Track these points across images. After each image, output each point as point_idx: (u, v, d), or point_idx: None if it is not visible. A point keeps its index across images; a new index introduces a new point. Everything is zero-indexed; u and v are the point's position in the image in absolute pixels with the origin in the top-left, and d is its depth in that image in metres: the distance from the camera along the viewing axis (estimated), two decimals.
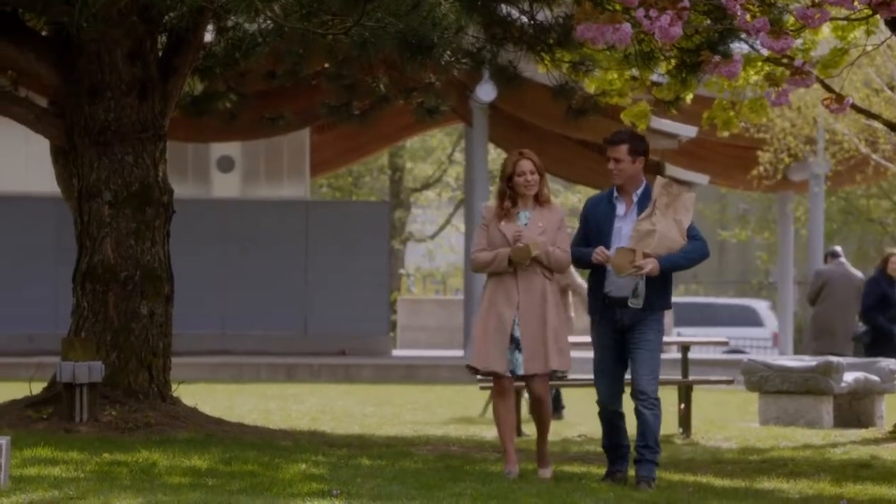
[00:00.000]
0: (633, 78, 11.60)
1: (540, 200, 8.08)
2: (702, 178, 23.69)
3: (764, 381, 13.63)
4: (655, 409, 7.93)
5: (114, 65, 10.91)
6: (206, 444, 9.41)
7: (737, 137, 18.50)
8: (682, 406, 12.59)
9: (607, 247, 7.93)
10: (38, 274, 22.77)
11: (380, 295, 24.24)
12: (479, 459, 9.46)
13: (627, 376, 8.12)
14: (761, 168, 22.66)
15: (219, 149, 24.50)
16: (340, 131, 22.76)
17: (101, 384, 10.36)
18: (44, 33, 11.30)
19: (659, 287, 7.96)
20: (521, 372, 8.03)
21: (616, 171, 8.00)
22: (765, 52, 10.11)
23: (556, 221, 8.08)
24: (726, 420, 14.17)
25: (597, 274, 8.05)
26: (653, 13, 7.45)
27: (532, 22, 10.94)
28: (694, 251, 7.96)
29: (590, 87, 11.83)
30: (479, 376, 8.47)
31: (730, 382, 13.57)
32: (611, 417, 8.08)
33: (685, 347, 13.13)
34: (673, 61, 10.56)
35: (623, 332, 7.99)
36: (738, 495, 7.95)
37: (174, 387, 11.14)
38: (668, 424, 13.21)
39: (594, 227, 8.06)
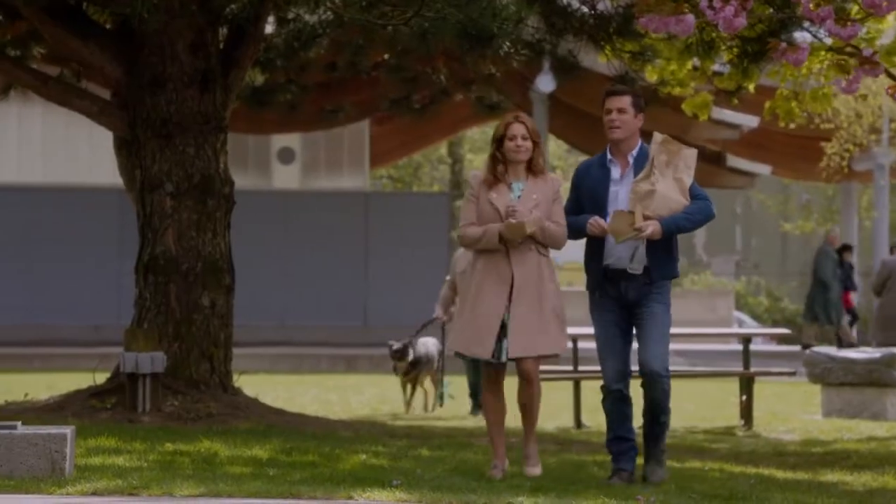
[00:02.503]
0: (695, 68, 11.52)
1: (534, 170, 7.36)
2: (764, 169, 23.52)
3: (827, 372, 13.52)
4: (665, 385, 7.34)
5: (175, 57, 10.98)
6: (266, 435, 9.46)
7: (800, 128, 18.35)
8: (744, 398, 12.52)
9: (603, 214, 7.30)
10: (102, 265, 23.00)
11: (439, 286, 24.24)
12: (539, 451, 9.42)
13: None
14: (828, 160, 22.44)
15: (279, 140, 24.62)
16: (400, 123, 22.80)
17: (164, 375, 10.44)
18: (107, 26, 11.40)
19: (662, 254, 7.34)
20: (504, 358, 7.29)
21: (619, 122, 7.31)
22: (828, 42, 10.01)
23: (552, 193, 7.35)
24: (788, 412, 14.06)
25: (593, 245, 7.39)
26: (716, 3, 7.40)
27: (592, 12, 10.89)
28: (698, 212, 7.32)
29: (651, 77, 11.77)
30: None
31: (792, 374, 13.47)
32: (617, 402, 7.40)
33: (746, 339, 13.05)
34: (735, 50, 10.49)
35: (628, 307, 7.36)
36: (800, 488, 7.88)
37: (235, 377, 11.20)
38: (730, 416, 13.16)
39: (587, 193, 7.41)
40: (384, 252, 24.00)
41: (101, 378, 11.07)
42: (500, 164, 7.33)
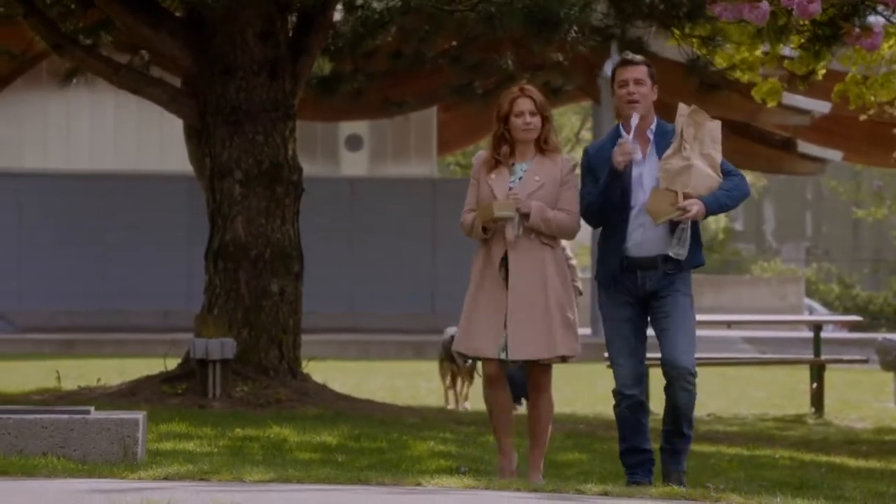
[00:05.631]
0: (765, 52, 11.42)
1: (544, 149, 6.60)
2: (835, 155, 23.25)
3: None
4: (692, 387, 6.48)
5: (245, 45, 11.05)
6: (335, 421, 9.51)
7: (872, 113, 18.13)
8: (815, 385, 12.42)
9: (626, 202, 6.50)
10: (173, 251, 23.21)
11: None
12: (606, 438, 9.41)
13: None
14: None
15: (347, 127, 24.70)
16: (467, 109, 22.73)
17: (233, 361, 10.51)
18: (177, 14, 11.48)
19: (691, 239, 6.53)
20: (508, 357, 6.56)
21: (638, 95, 6.52)
22: None
23: (560, 174, 6.57)
24: (860, 400, 13.92)
25: (611, 232, 6.58)
26: None
27: None
28: (735, 188, 6.54)
29: (720, 63, 11.67)
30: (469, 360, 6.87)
31: (864, 362, 13.34)
32: (632, 409, 6.58)
33: (817, 326, 12.94)
34: (807, 34, 10.38)
35: (645, 300, 6.54)
36: (873, 476, 7.80)
37: (304, 364, 11.26)
38: (800, 404, 13.05)
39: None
40: (452, 239, 23.98)
41: (171, 364, 11.17)
42: (505, 144, 6.60)
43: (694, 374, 6.49)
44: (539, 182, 6.55)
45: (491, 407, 6.65)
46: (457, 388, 12.48)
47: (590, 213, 6.62)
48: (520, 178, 6.58)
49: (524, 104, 6.59)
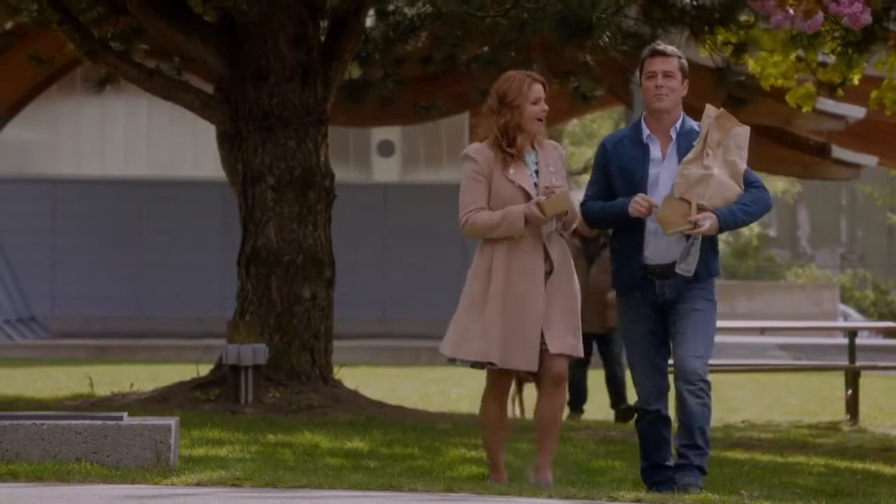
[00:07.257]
0: (799, 59, 11.37)
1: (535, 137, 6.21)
2: (870, 160, 23.13)
3: None
4: (704, 396, 6.16)
5: (277, 50, 11.07)
6: (367, 427, 9.50)
7: None
8: (850, 392, 12.34)
9: None
10: (206, 257, 23.29)
11: None
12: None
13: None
14: None
15: (379, 133, 24.75)
16: None
17: (266, 366, 10.53)
18: (206, 19, 11.51)
19: (708, 248, 6.20)
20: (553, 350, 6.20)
21: (666, 88, 6.19)
22: None
23: (561, 161, 6.22)
24: None
25: (629, 235, 6.23)
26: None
27: (693, 2, 10.79)
28: (755, 203, 6.17)
29: (755, 69, 11.62)
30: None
31: None
32: (654, 424, 6.32)
33: (852, 332, 12.86)
34: (839, 41, 10.33)
35: (664, 309, 6.24)
36: None
37: (336, 369, 11.27)
38: (835, 411, 12.96)
39: (620, 175, 6.20)
40: None
41: (204, 370, 11.19)
42: (520, 135, 6.08)
43: (705, 381, 6.16)
44: (554, 172, 6.19)
45: (492, 420, 6.42)
46: (522, 395, 12.08)
47: (593, 221, 6.36)
48: (536, 171, 6.18)
49: (540, 90, 6.14)
